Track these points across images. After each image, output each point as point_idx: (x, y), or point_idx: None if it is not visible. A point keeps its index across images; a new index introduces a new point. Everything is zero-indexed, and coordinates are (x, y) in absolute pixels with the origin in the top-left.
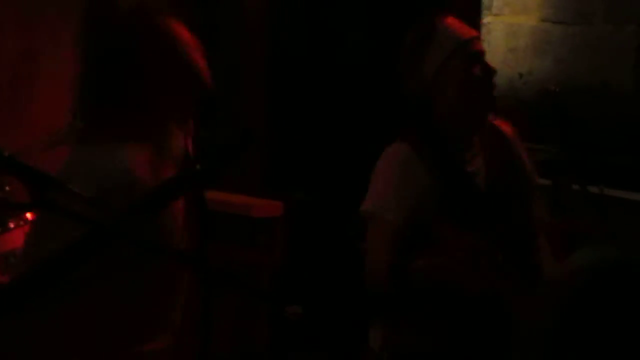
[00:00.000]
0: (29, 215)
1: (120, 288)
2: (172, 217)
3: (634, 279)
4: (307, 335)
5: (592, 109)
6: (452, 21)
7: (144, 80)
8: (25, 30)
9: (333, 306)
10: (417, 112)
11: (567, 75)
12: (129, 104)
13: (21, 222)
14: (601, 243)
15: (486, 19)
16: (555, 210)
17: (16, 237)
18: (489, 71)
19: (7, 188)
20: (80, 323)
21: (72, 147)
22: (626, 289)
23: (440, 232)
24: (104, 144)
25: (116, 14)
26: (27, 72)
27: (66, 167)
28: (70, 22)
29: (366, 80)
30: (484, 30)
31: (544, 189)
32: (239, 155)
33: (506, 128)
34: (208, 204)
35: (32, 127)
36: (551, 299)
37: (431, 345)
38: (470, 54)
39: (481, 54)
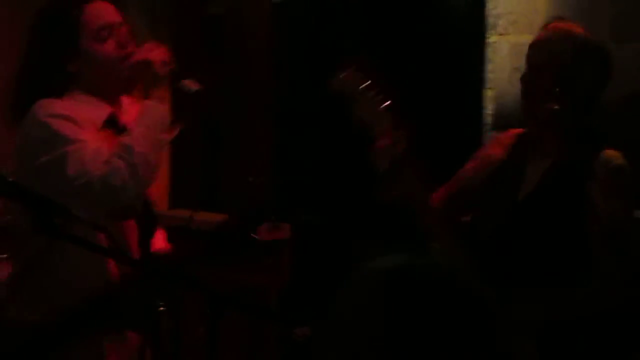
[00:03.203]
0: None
1: None
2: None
3: (418, 280)
4: (314, 357)
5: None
6: None
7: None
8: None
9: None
10: None
11: None
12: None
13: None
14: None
15: (491, 39)
16: None
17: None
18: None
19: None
20: None
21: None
22: (411, 289)
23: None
24: None
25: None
26: None
27: None
28: None
29: None
30: (489, 50)
31: None
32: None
33: (614, 160)
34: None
35: None
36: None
37: None
38: None
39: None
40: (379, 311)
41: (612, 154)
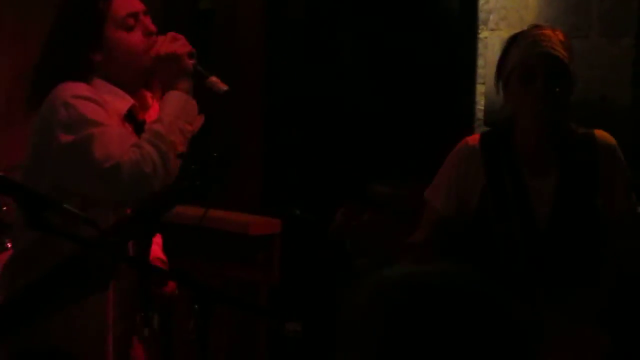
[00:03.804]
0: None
1: None
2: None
3: (434, 290)
4: (305, 352)
5: (589, 123)
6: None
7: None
8: (19, 52)
9: (331, 323)
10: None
11: None
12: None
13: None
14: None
15: (483, 34)
16: None
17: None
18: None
19: (4, 208)
20: None
21: None
22: (428, 299)
23: None
24: None
25: None
26: (22, 93)
27: None
28: None
29: (363, 100)
30: (480, 45)
31: None
32: (223, 173)
33: (604, 140)
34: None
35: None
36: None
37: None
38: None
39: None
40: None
41: (603, 134)
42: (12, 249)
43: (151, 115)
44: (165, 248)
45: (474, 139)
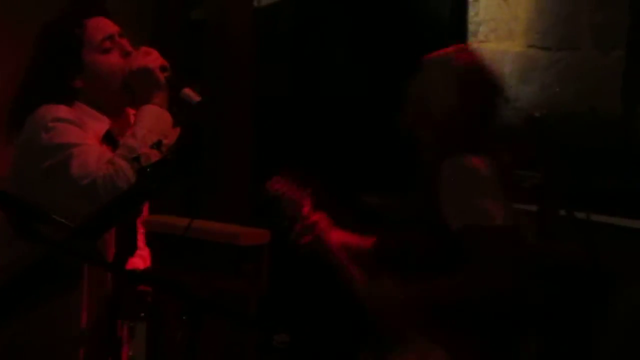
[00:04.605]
0: None
1: None
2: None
3: None
4: None
5: (579, 135)
6: None
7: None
8: (16, 57)
9: (320, 334)
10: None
11: (553, 101)
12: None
13: None
14: None
15: (472, 46)
16: (542, 235)
17: None
18: None
19: None
20: None
21: None
22: None
23: None
24: None
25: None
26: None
27: None
28: None
29: (353, 110)
30: None
31: (531, 215)
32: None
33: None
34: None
35: None
36: None
37: None
38: None
39: None
40: None
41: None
42: None
43: None
44: (154, 259)
45: (477, 159)
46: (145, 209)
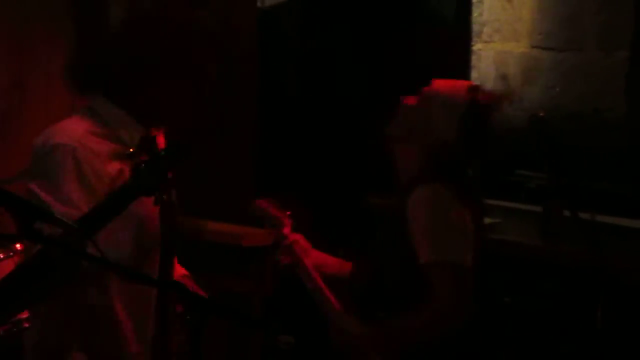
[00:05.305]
0: (18, 245)
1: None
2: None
3: None
4: None
5: (583, 135)
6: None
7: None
8: (15, 62)
9: (325, 335)
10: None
11: (557, 102)
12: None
13: (10, 253)
14: None
15: (476, 46)
16: (546, 236)
17: (5, 267)
18: None
19: None
20: None
21: None
22: None
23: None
24: None
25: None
26: (17, 103)
27: None
28: (59, 53)
29: (356, 112)
30: (474, 57)
31: (535, 216)
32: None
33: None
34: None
35: (23, 157)
36: None
37: None
38: None
39: None
40: None
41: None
42: None
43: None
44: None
45: (440, 188)
46: None
